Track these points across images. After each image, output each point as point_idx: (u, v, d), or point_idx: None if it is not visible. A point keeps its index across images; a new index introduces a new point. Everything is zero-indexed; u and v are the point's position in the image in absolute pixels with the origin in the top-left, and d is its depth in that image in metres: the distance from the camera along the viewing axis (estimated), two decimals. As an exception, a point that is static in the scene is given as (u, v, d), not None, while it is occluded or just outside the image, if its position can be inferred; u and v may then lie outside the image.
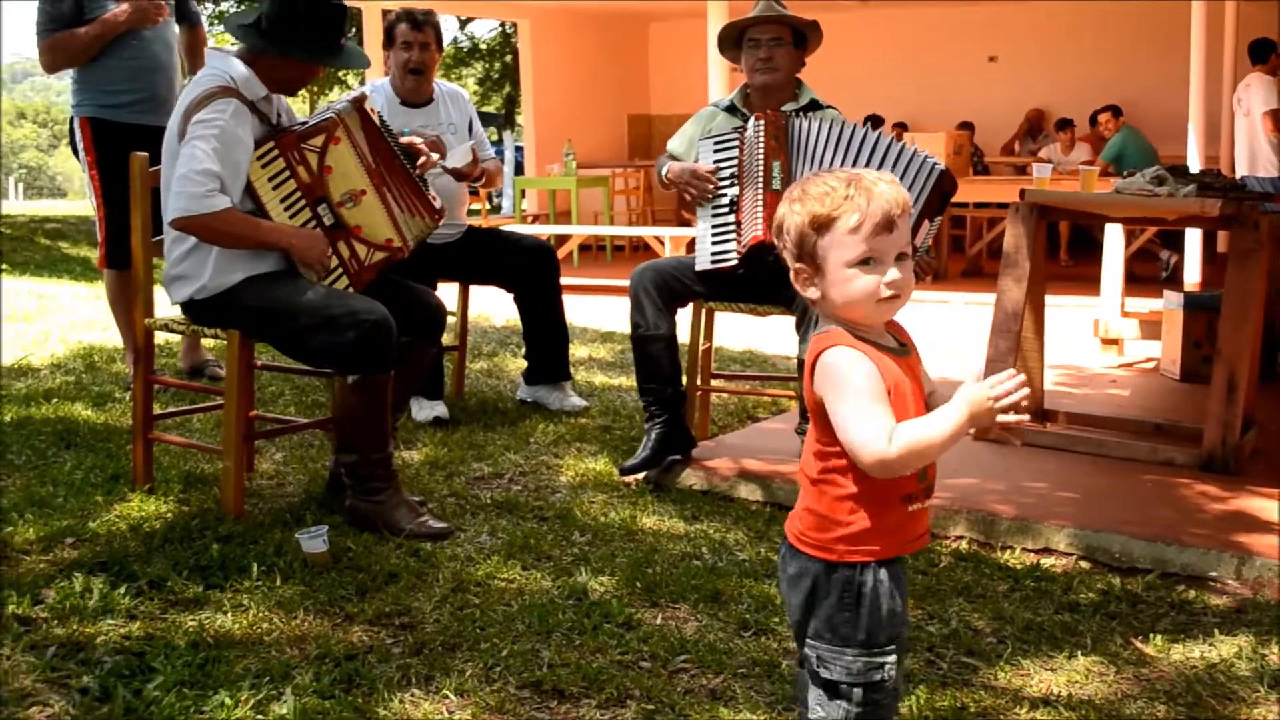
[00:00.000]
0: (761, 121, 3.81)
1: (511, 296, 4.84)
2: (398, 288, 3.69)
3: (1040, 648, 2.71)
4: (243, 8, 19.16)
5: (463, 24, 23.61)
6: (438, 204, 3.83)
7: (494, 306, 7.18)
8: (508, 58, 22.65)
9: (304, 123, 3.62)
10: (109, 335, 6.06)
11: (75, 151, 4.93)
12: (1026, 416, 1.67)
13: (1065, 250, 10.31)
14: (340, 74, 21.69)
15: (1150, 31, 11.61)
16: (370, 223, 3.59)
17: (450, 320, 4.17)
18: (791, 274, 1.81)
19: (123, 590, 2.86)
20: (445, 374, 4.87)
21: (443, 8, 11.41)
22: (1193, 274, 8.43)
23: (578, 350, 6.06)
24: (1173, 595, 3.04)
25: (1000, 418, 1.66)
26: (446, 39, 12.26)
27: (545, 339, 4.86)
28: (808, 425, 1.84)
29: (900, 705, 2.28)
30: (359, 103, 3.65)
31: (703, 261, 3.93)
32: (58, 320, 6.79)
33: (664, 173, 4.10)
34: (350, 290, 3.52)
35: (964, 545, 3.37)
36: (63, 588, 2.86)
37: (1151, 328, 6.12)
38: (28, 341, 6.08)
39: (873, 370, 1.72)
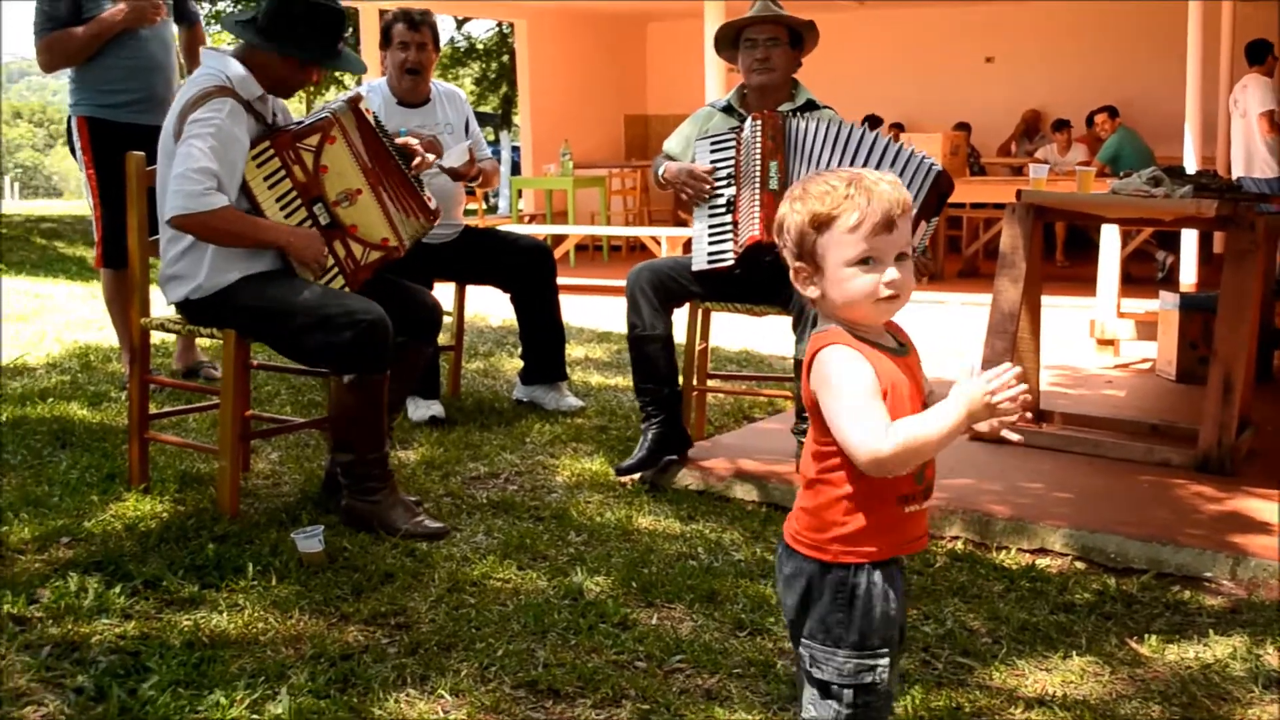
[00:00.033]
0: (759, 122, 3.81)
1: (508, 296, 4.85)
2: (394, 287, 3.69)
3: (1035, 648, 2.71)
4: (240, 8, 19.15)
5: (459, 24, 23.57)
6: (433, 204, 3.83)
7: (490, 306, 7.18)
8: (505, 58, 22.62)
9: (300, 122, 3.62)
10: (105, 335, 6.05)
11: (73, 151, 4.92)
12: (1028, 414, 1.67)
13: (1061, 251, 10.32)
14: (338, 75, 21.68)
15: (1147, 32, 11.61)
16: (366, 222, 3.59)
17: (446, 320, 4.17)
18: (791, 273, 1.81)
19: (118, 590, 2.85)
20: (441, 374, 4.87)
21: (440, 8, 11.41)
22: (1189, 275, 8.45)
23: (574, 350, 6.06)
24: (1168, 596, 3.04)
25: (995, 419, 1.66)
26: (443, 39, 12.27)
27: (541, 339, 4.86)
28: (804, 425, 1.84)
29: (895, 705, 2.29)
30: (354, 102, 3.65)
31: (699, 261, 3.93)
32: (53, 320, 6.78)
33: (660, 173, 4.10)
34: (346, 290, 3.52)
35: (959, 545, 3.37)
36: (58, 587, 2.86)
37: (1147, 328, 6.13)
38: (24, 341, 6.07)
39: (869, 369, 1.72)
